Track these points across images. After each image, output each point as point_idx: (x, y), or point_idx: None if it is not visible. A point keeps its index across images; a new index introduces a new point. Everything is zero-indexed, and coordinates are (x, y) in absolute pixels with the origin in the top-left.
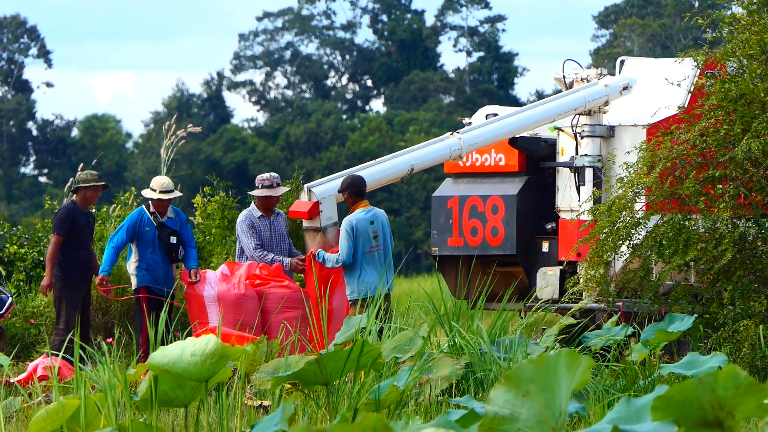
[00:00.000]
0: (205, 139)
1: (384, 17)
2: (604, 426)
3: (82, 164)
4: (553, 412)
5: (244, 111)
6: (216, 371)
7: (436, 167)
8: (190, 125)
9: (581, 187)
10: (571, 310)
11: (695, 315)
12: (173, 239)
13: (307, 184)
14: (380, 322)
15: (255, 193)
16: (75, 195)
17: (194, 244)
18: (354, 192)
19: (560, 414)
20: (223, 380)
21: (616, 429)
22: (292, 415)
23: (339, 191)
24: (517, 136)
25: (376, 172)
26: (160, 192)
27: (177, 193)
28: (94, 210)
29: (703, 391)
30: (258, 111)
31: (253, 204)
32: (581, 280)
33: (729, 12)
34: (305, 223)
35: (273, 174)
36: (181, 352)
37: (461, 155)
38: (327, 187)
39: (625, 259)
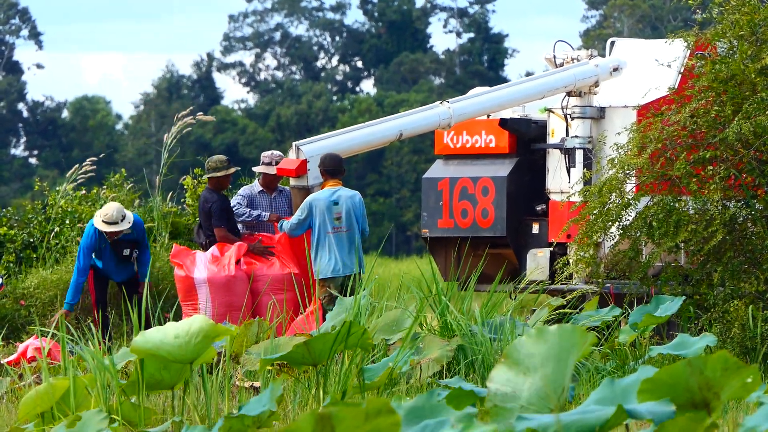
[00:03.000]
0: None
1: None
2: (596, 407)
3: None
4: (555, 388)
5: (234, 92)
6: (200, 352)
7: (426, 149)
8: (201, 113)
9: (571, 169)
10: (568, 296)
11: (683, 297)
12: (126, 251)
13: (296, 142)
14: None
15: (255, 168)
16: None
17: (149, 251)
18: (326, 170)
19: (563, 390)
20: (209, 361)
21: (621, 408)
22: (281, 396)
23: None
24: (507, 117)
25: (364, 134)
26: (104, 223)
27: (123, 226)
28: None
29: (691, 373)
30: (248, 92)
31: (257, 179)
32: (571, 262)
33: None
34: (292, 181)
35: (275, 152)
36: (164, 334)
37: (450, 124)
38: (316, 146)
39: (615, 241)
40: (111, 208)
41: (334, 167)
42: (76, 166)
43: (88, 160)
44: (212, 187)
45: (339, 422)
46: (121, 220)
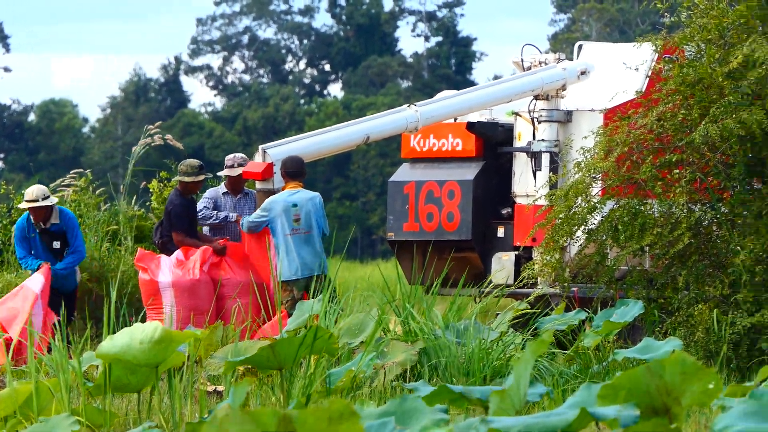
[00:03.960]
0: (163, 124)
1: (342, 1)
2: (566, 410)
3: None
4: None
5: (201, 96)
6: (165, 357)
7: (392, 153)
8: (169, 136)
9: (538, 172)
10: (529, 297)
11: (641, 302)
12: (56, 244)
13: (263, 145)
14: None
15: (219, 173)
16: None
17: (81, 249)
18: (285, 171)
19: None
20: (176, 365)
21: (584, 410)
22: (245, 400)
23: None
24: (474, 121)
25: (331, 138)
26: (26, 201)
27: (43, 203)
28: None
29: (651, 377)
30: (215, 96)
31: (223, 182)
32: (537, 266)
33: None
34: (258, 185)
35: (238, 155)
36: (130, 339)
37: (417, 127)
38: (283, 149)
39: (581, 245)
40: (33, 188)
41: (294, 169)
42: (59, 180)
43: (72, 172)
44: (180, 190)
45: (301, 425)
46: (43, 199)
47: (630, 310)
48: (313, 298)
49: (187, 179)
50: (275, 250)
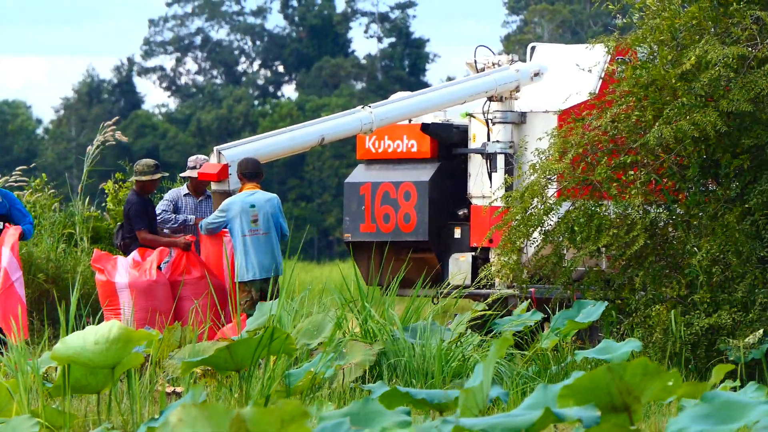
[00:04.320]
0: (117, 125)
1: (294, 2)
2: (527, 410)
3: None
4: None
5: (154, 97)
6: (122, 357)
7: (348, 154)
8: (119, 133)
9: (493, 174)
10: (488, 299)
11: (606, 303)
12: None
13: (217, 147)
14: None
15: (181, 174)
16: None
17: (30, 219)
18: (243, 173)
19: (487, 395)
20: (134, 366)
21: (548, 410)
22: (204, 401)
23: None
24: (429, 122)
25: (286, 139)
26: None
27: None
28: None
29: (611, 378)
30: (169, 97)
31: (185, 184)
32: (494, 267)
33: None
34: (213, 186)
35: (201, 156)
36: (84, 341)
37: (372, 128)
38: (237, 151)
39: (538, 246)
40: None
41: (251, 171)
42: (5, 177)
43: (17, 168)
44: (137, 190)
45: (254, 425)
46: None
47: (596, 311)
48: (271, 299)
49: (144, 178)
50: (233, 251)
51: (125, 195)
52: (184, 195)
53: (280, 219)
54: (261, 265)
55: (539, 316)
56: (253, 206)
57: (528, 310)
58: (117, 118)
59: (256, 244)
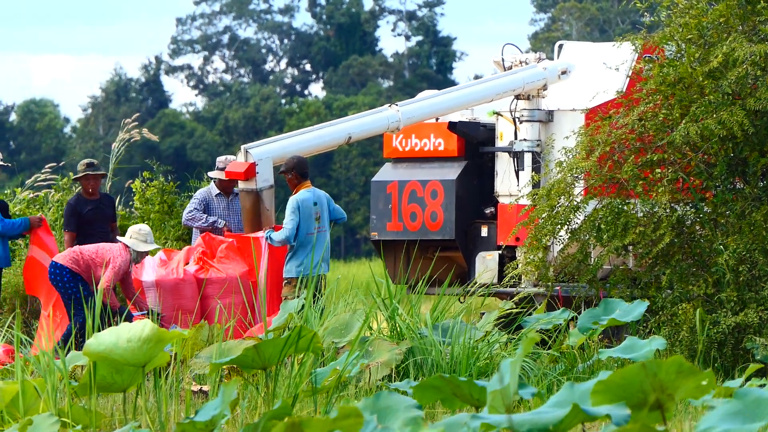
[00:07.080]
0: (144, 123)
1: (322, 1)
2: (554, 408)
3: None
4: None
5: (182, 96)
6: (153, 356)
7: (375, 152)
8: (146, 130)
9: (520, 172)
10: (514, 298)
11: (647, 303)
12: None
13: (245, 145)
14: (317, 302)
15: (209, 173)
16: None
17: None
18: (300, 173)
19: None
20: (161, 365)
21: (576, 407)
22: (235, 400)
23: (282, 172)
24: (456, 120)
25: (313, 138)
26: None
27: None
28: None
29: (645, 376)
30: (196, 95)
31: (212, 183)
32: (520, 265)
33: None
34: (241, 185)
35: (230, 157)
36: (117, 338)
37: (399, 127)
38: (265, 149)
39: (564, 244)
40: None
41: (306, 169)
42: (35, 176)
43: (46, 166)
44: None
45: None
46: None
47: (635, 309)
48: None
49: (78, 176)
50: (292, 248)
51: (152, 194)
52: (216, 195)
53: (334, 210)
54: (325, 261)
55: (567, 314)
56: (315, 204)
57: (551, 308)
58: (138, 114)
59: (320, 241)
